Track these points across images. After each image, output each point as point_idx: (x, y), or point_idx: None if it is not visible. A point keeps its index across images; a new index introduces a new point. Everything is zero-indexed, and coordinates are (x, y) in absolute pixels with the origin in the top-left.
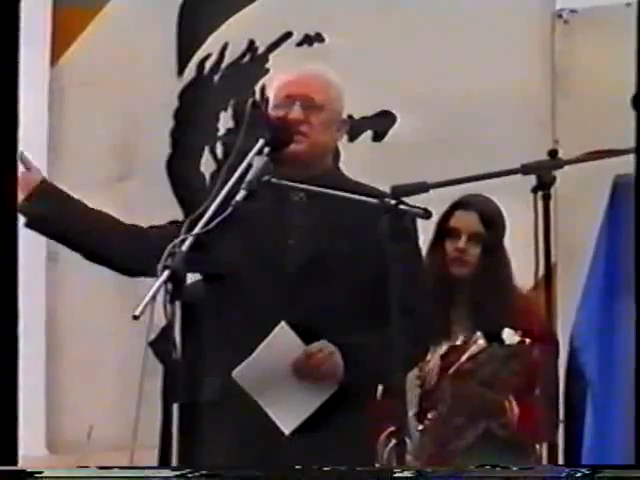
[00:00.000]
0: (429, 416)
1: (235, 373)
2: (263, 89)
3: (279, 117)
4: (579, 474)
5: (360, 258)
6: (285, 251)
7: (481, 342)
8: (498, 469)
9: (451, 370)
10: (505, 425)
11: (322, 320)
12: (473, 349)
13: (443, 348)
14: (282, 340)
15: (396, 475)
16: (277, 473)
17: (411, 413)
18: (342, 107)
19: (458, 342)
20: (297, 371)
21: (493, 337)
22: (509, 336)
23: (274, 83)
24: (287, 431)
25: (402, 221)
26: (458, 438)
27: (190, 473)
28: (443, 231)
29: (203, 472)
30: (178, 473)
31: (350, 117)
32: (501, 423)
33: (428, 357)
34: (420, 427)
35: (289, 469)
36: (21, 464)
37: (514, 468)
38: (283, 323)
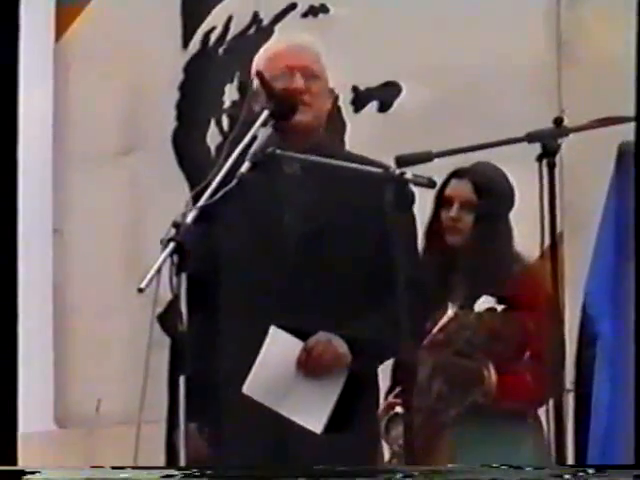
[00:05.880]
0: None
1: (246, 389)
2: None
3: (283, 88)
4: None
5: (361, 233)
6: (281, 227)
7: (449, 312)
8: (504, 467)
9: (425, 342)
10: (485, 394)
11: (322, 304)
12: (443, 320)
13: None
14: (278, 343)
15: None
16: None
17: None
18: (328, 77)
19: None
20: (302, 369)
21: (469, 305)
22: (484, 303)
23: (265, 54)
24: (318, 431)
25: (406, 191)
26: (445, 409)
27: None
28: (439, 200)
29: (194, 472)
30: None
31: (355, 88)
32: (482, 392)
33: None
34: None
35: (289, 467)
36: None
37: (503, 467)
38: (273, 327)
